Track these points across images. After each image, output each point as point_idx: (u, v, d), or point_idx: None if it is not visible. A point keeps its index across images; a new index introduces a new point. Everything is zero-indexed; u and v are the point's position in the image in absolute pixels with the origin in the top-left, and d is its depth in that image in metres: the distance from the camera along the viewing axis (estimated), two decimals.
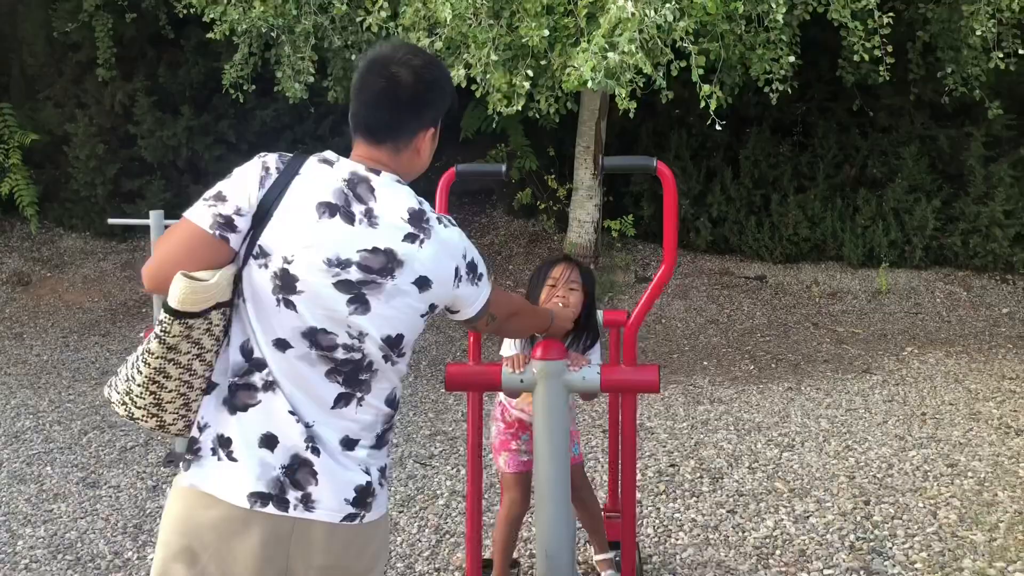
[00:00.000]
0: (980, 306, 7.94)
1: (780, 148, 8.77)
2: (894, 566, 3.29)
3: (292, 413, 1.63)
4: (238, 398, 1.64)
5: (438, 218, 1.73)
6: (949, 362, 6.49)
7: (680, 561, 3.40)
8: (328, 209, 1.64)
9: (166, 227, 4.36)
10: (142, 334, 4.37)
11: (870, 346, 7.06)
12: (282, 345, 1.63)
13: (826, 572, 3.27)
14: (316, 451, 1.63)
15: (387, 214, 1.66)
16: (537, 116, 6.69)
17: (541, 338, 2.37)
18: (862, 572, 3.25)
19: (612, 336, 3.16)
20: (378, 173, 1.69)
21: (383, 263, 1.64)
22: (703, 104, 5.88)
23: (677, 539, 3.60)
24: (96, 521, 3.90)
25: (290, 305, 1.62)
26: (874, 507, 3.86)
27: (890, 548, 3.44)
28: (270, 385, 1.63)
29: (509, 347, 2.62)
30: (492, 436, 2.78)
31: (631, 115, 5.81)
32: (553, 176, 8.81)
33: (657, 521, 3.77)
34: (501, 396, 2.77)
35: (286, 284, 1.62)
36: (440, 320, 7.84)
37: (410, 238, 1.66)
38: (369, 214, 1.65)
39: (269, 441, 1.62)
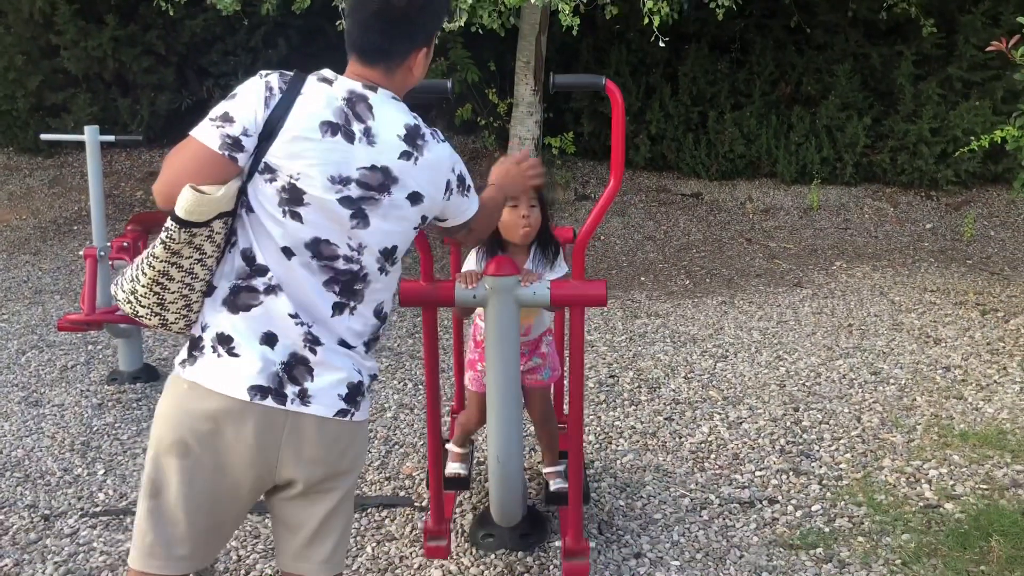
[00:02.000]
0: (906, 221, 8.23)
1: (718, 65, 8.82)
2: (820, 467, 3.50)
3: (292, 316, 1.72)
4: (240, 299, 1.73)
5: (432, 133, 1.81)
6: (875, 276, 6.75)
7: (620, 466, 3.56)
8: (330, 128, 1.71)
9: (102, 143, 4.29)
10: (82, 252, 4.32)
11: (801, 261, 7.29)
12: (287, 252, 1.72)
13: (758, 474, 3.46)
14: (313, 350, 1.74)
15: (384, 132, 1.74)
16: (480, 31, 6.59)
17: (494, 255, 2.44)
18: (791, 473, 3.45)
19: None
20: (375, 90, 1.76)
21: (380, 180, 1.73)
22: (646, 20, 5.88)
23: (617, 445, 3.76)
24: (42, 439, 3.90)
25: (296, 216, 1.71)
26: (803, 413, 4.07)
27: (817, 451, 3.65)
28: (272, 289, 1.72)
29: (469, 264, 2.67)
30: (466, 351, 2.86)
31: (574, 32, 5.78)
32: (494, 91, 8.74)
33: (599, 429, 3.92)
34: (476, 316, 2.82)
35: (293, 197, 1.70)
36: None
37: (405, 155, 1.75)
38: (368, 132, 1.72)
39: (269, 339, 1.72)
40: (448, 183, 1.84)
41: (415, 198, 1.77)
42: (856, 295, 6.24)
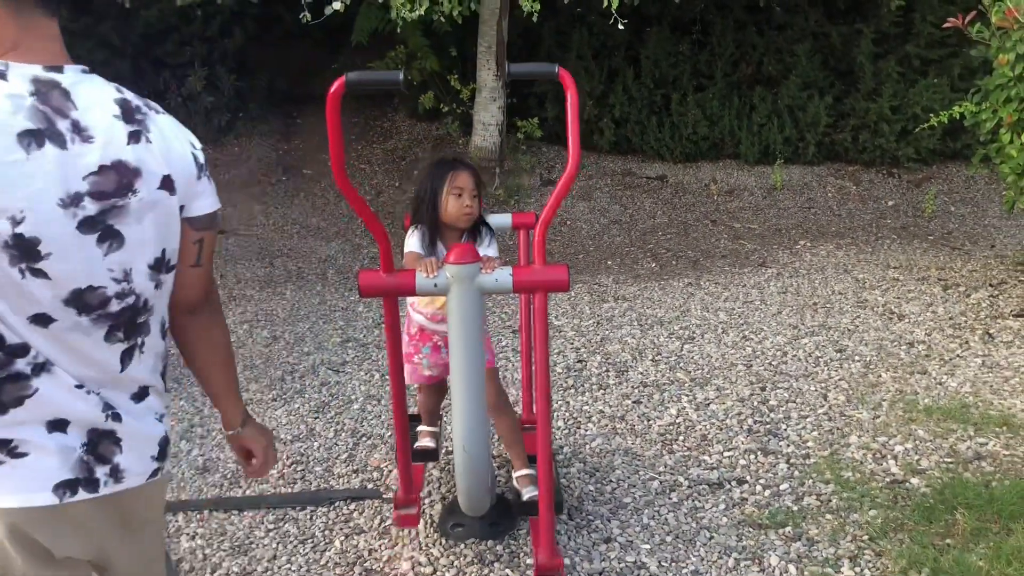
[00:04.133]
0: (868, 199, 8.29)
1: (679, 47, 8.81)
2: (788, 446, 3.51)
3: (78, 387, 1.42)
4: (6, 394, 1.36)
5: (146, 103, 1.48)
6: (839, 253, 6.80)
7: (589, 450, 3.55)
8: (33, 138, 1.31)
9: None
10: None
11: (765, 240, 7.33)
12: (43, 320, 1.36)
13: (726, 454, 3.47)
14: (117, 417, 1.46)
15: (96, 119, 1.38)
16: (442, 20, 6.51)
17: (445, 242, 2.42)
18: (759, 452, 3.47)
19: (521, 238, 3.21)
20: (60, 70, 1.38)
21: (117, 180, 1.38)
22: (605, 3, 5.86)
23: (586, 430, 3.75)
24: None
25: (38, 273, 1.33)
26: (770, 392, 4.09)
27: (784, 430, 3.67)
28: (41, 368, 1.38)
29: (413, 245, 2.65)
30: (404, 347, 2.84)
31: (534, 18, 5.74)
32: (456, 77, 8.67)
33: (567, 414, 3.91)
34: (407, 306, 2.82)
35: (25, 250, 1.32)
36: (346, 228, 7.77)
37: (134, 137, 1.41)
38: (77, 127, 1.35)
39: (59, 424, 1.41)
40: (195, 157, 1.52)
41: (167, 183, 1.45)
42: (821, 273, 6.28)
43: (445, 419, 3.47)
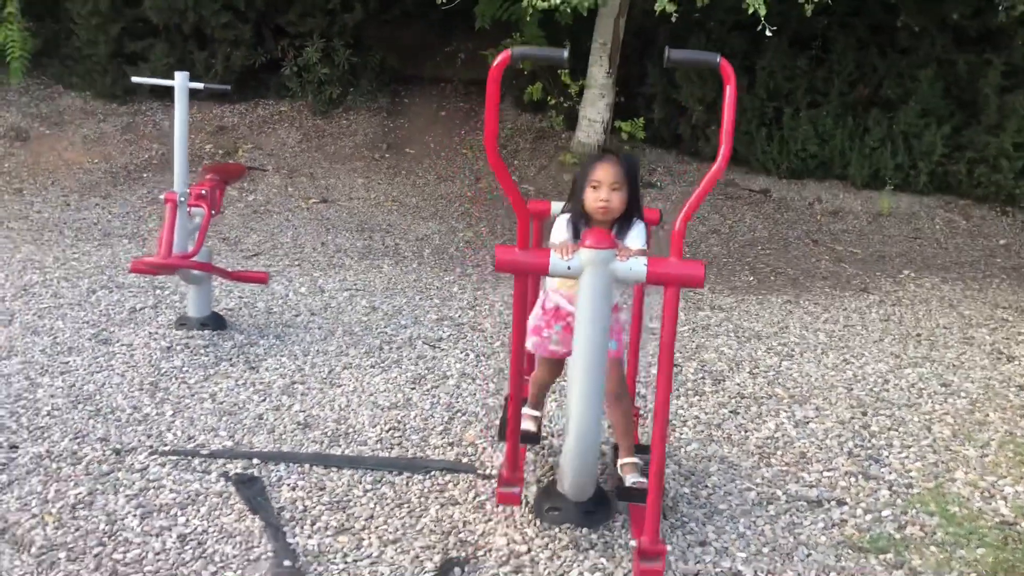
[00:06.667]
0: (978, 235, 8.03)
1: (797, 61, 8.64)
2: (890, 473, 3.43)
3: None
4: None
5: None
6: (944, 287, 6.60)
7: (685, 454, 3.52)
8: None
9: (191, 91, 4.33)
10: (162, 196, 4.37)
11: (867, 266, 7.16)
12: None
13: (826, 474, 3.40)
14: None
15: None
16: (568, 9, 6.47)
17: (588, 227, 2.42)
18: (860, 476, 3.39)
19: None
20: None
21: None
22: (751, 10, 5.77)
23: (681, 434, 3.72)
24: (112, 376, 3.96)
25: None
26: (871, 418, 3.99)
27: (886, 456, 3.58)
28: None
29: (559, 233, 2.66)
30: (530, 319, 2.84)
31: (672, 18, 5.70)
32: (567, 71, 8.67)
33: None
34: (547, 283, 2.83)
35: None
36: (443, 210, 7.85)
37: None
38: None
39: None
40: None
41: None
42: (924, 305, 6.10)
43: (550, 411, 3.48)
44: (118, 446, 3.30)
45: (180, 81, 4.21)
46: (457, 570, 2.63)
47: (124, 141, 8.77)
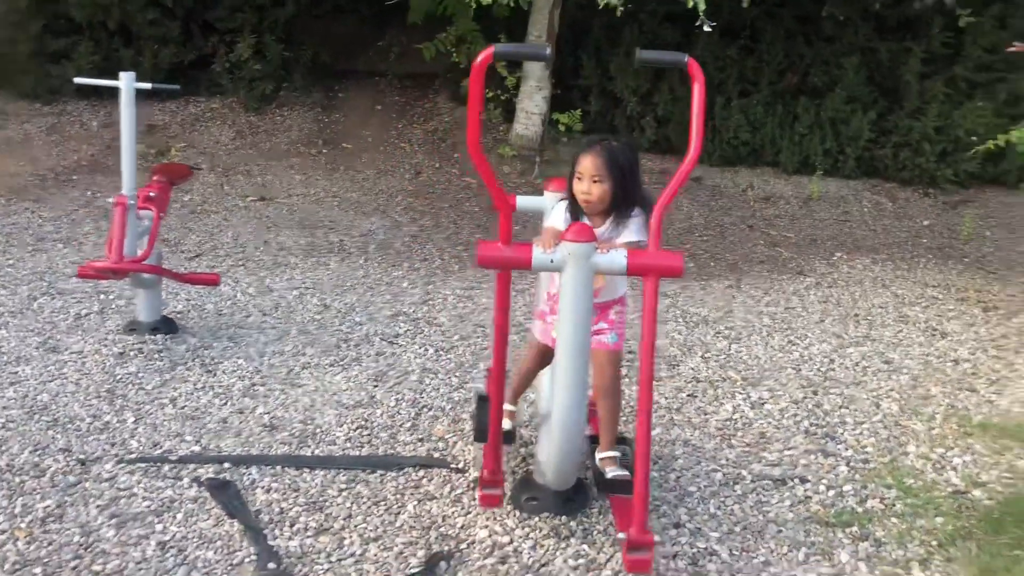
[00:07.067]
0: (904, 217, 8.33)
1: (727, 51, 8.84)
2: (847, 449, 3.57)
3: None
4: None
5: None
6: (876, 268, 6.84)
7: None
8: None
9: (137, 91, 4.23)
10: (111, 200, 4.27)
11: (802, 250, 7.37)
12: None
13: (786, 453, 3.52)
14: None
15: None
16: (508, 4, 6.48)
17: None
18: (819, 454, 3.52)
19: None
20: None
21: None
22: (691, 4, 5.88)
23: None
24: (66, 385, 3.87)
25: None
26: (822, 397, 4.14)
27: (841, 434, 3.72)
28: None
29: (556, 218, 2.69)
30: (537, 304, 2.87)
31: (618, 13, 5.77)
32: (503, 64, 8.70)
33: (623, 402, 3.95)
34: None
35: None
36: (385, 204, 7.82)
37: None
38: None
39: None
40: None
41: None
42: (859, 286, 6.32)
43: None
44: (82, 456, 3.23)
45: (126, 82, 4.12)
46: (443, 564, 2.66)
47: (50, 143, 8.49)
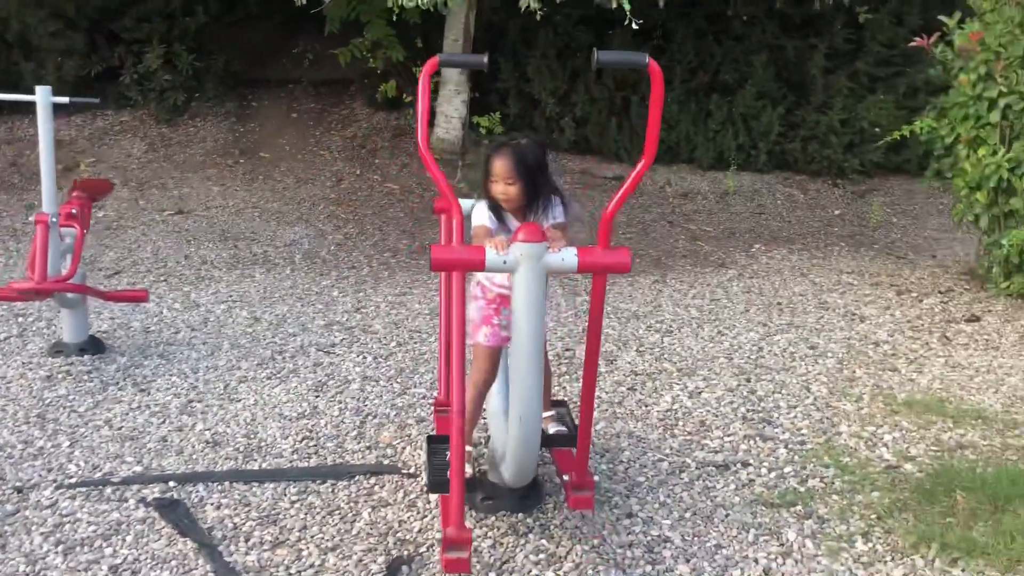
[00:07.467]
0: (816, 208, 8.64)
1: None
2: (783, 432, 3.70)
3: None
4: None
5: None
6: (793, 258, 7.08)
7: (596, 433, 3.65)
8: None
9: (55, 105, 4.10)
10: (31, 218, 4.13)
11: (721, 243, 7.57)
12: None
13: (727, 439, 3.63)
14: None
15: None
16: (432, 9, 6.47)
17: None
18: (757, 438, 3.64)
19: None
20: None
21: None
22: (615, 4, 5.97)
23: None
24: None
25: None
26: (755, 384, 4.27)
27: (777, 418, 3.85)
28: None
29: (480, 218, 2.73)
30: (472, 314, 2.88)
31: (537, 17, 5.83)
32: (421, 68, 8.67)
33: (567, 398, 4.02)
34: (479, 275, 2.88)
35: None
36: (308, 213, 7.73)
37: None
38: None
39: None
40: None
41: None
42: (779, 275, 6.53)
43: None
44: (18, 484, 3.12)
45: (42, 96, 3.99)
46: (405, 568, 2.67)
47: None
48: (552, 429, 3.07)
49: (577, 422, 2.89)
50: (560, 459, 3.06)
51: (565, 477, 2.81)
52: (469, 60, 2.43)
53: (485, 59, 2.41)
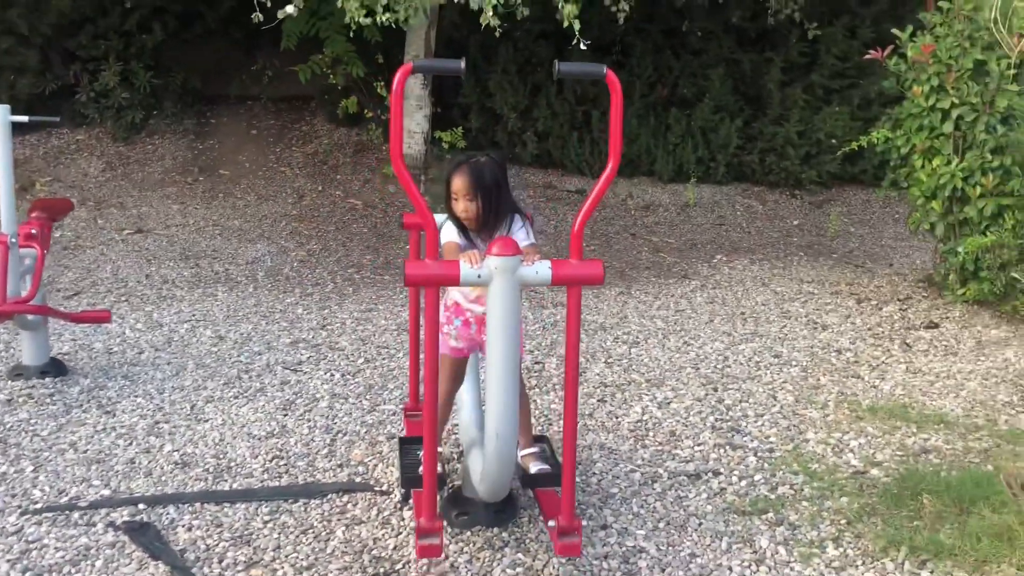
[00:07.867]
0: (775, 218, 8.77)
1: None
2: (752, 441, 3.74)
3: None
4: None
5: None
6: (754, 268, 7.18)
7: None
8: None
9: (13, 124, 4.04)
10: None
11: (683, 254, 7.66)
12: None
13: (697, 448, 3.66)
14: None
15: None
16: (393, 25, 6.48)
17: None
18: (727, 447, 3.67)
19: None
20: None
21: None
22: (566, 24, 6.03)
23: (558, 427, 3.88)
24: None
25: None
26: (723, 393, 4.32)
27: (745, 427, 3.89)
28: None
29: (449, 235, 2.74)
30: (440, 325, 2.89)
31: (496, 33, 5.86)
32: (382, 84, 8.70)
33: (537, 412, 4.03)
34: (455, 295, 2.89)
35: None
36: (269, 230, 7.68)
37: None
38: None
39: None
40: None
41: None
42: (741, 286, 6.62)
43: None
44: None
45: (1, 116, 3.93)
46: None
47: None
48: (534, 468, 2.96)
49: (560, 458, 2.84)
50: (544, 501, 2.90)
51: (551, 523, 2.63)
52: (446, 65, 2.42)
53: (462, 64, 2.41)
